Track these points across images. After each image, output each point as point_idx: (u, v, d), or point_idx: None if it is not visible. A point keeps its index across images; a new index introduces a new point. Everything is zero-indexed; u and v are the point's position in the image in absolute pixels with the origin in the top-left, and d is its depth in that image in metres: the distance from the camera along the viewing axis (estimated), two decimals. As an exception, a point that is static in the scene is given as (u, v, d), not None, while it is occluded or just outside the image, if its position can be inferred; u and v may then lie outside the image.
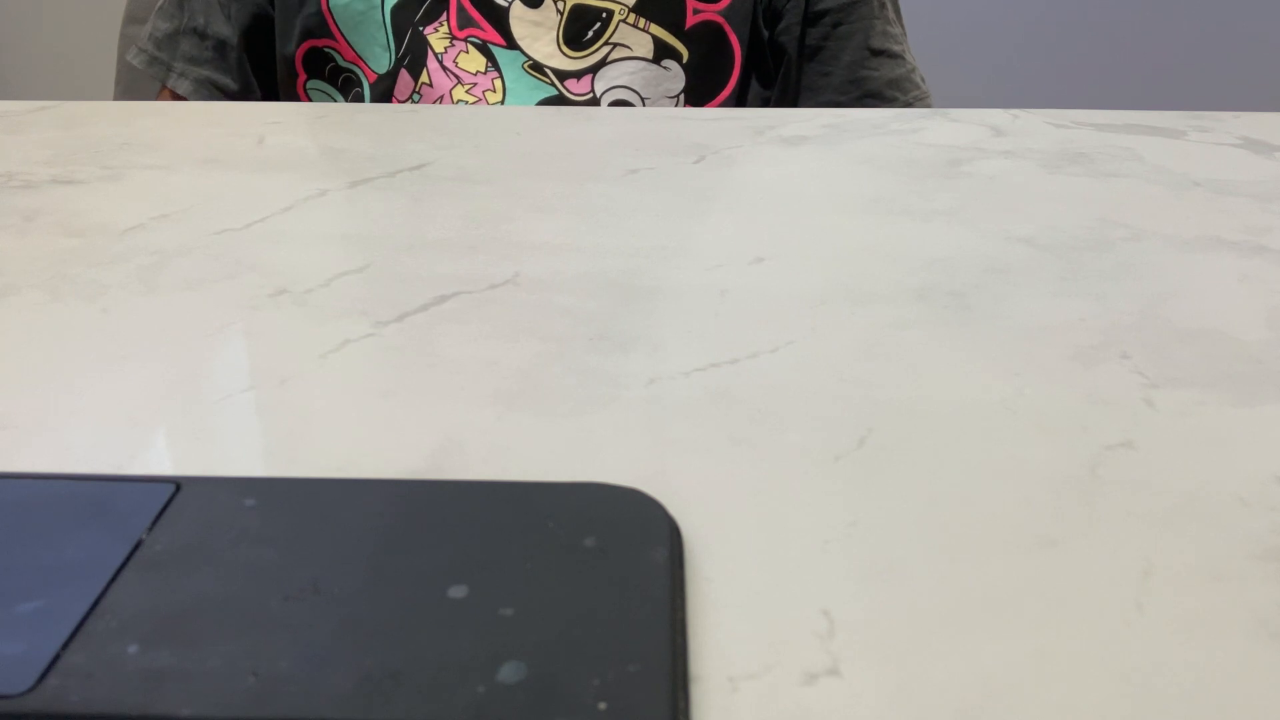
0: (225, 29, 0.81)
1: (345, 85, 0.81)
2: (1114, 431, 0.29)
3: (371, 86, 0.79)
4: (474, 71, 0.79)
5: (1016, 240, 0.42)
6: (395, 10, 0.78)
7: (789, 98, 0.83)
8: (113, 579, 0.22)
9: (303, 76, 0.81)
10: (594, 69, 0.80)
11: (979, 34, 2.01)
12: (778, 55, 0.83)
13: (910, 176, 0.49)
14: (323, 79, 0.81)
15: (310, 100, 0.81)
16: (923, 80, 0.84)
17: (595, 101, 0.80)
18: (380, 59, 0.78)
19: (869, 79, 0.81)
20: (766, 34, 0.82)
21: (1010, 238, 0.42)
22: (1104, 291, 0.37)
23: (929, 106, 0.82)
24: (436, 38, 0.79)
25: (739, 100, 0.83)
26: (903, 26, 0.86)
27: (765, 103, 0.84)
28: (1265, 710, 0.20)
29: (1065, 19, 2.01)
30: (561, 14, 0.79)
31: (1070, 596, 0.23)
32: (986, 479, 0.27)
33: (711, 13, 0.80)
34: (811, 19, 0.82)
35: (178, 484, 0.25)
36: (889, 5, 0.84)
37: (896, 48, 0.82)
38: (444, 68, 0.78)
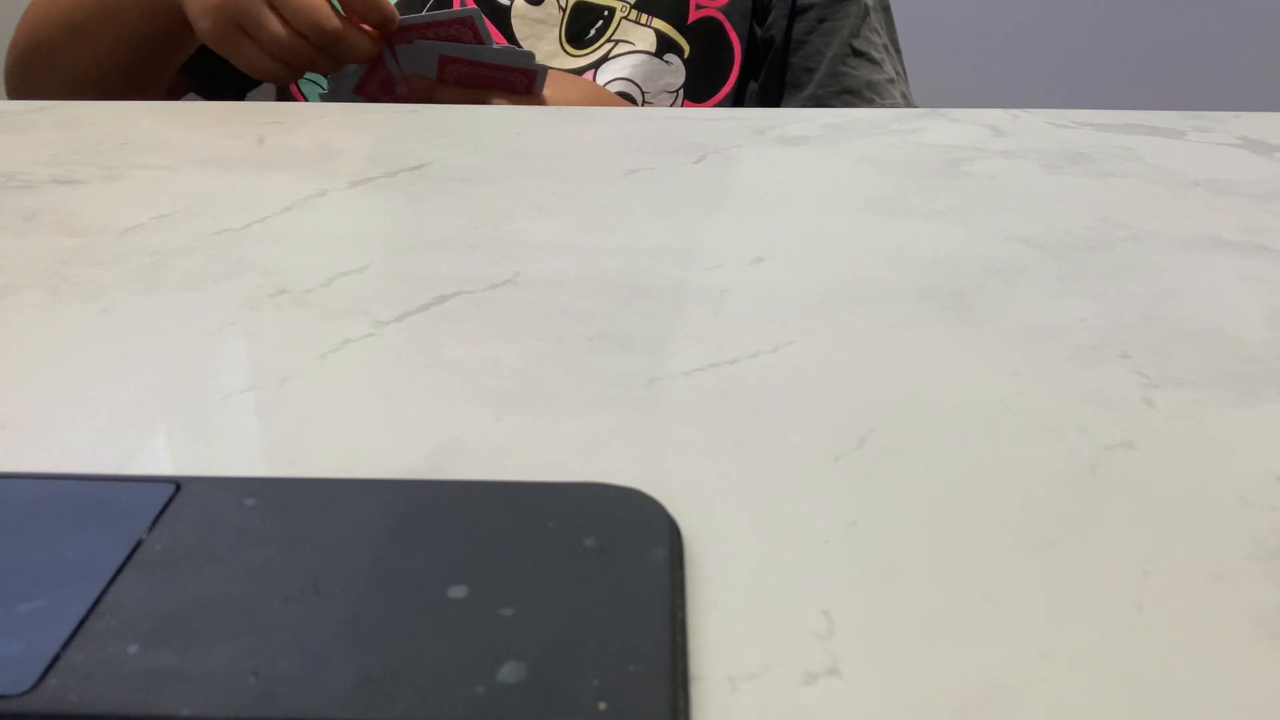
0: None
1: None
2: (1114, 431, 0.29)
3: None
4: None
5: (1016, 240, 0.42)
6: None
7: (773, 91, 0.84)
8: (113, 579, 0.22)
9: None
10: (595, 65, 0.80)
11: (979, 34, 2.01)
12: (767, 49, 0.84)
13: (910, 176, 0.49)
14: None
15: (300, 89, 0.81)
16: (905, 96, 0.85)
17: None
18: None
19: (848, 75, 0.82)
20: (759, 30, 0.83)
21: (1010, 238, 0.42)
22: (1104, 291, 0.37)
23: None
24: None
25: (738, 96, 0.83)
26: (893, 43, 0.87)
27: (755, 95, 0.85)
28: (1265, 710, 0.20)
29: (1065, 19, 2.01)
30: (564, 10, 0.79)
31: (1070, 596, 0.23)
32: (986, 479, 0.27)
33: (713, 9, 0.81)
34: (799, 11, 0.83)
35: (178, 484, 0.25)
36: (873, 17, 0.85)
37: (877, 55, 0.84)
38: None
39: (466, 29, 0.66)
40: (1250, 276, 0.39)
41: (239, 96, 0.82)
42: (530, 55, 0.67)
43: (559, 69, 0.79)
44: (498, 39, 0.79)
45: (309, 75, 0.80)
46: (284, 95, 0.82)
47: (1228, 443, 0.29)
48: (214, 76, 0.81)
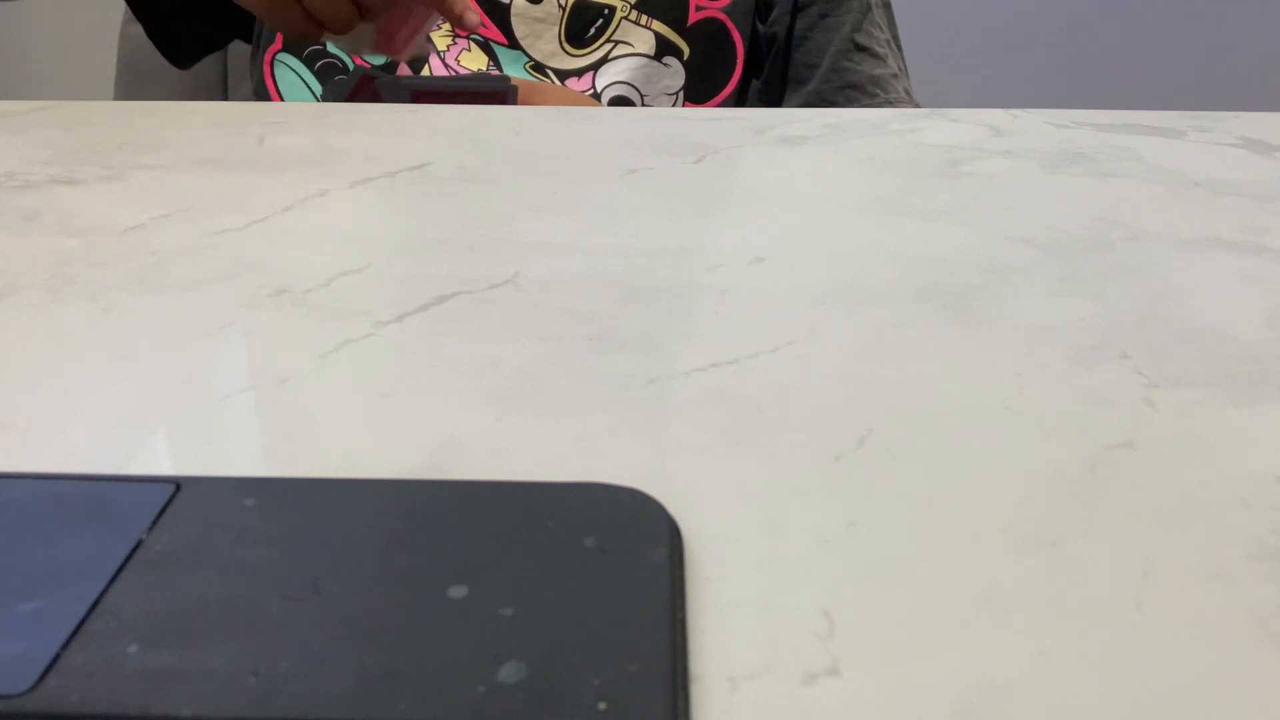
0: None
1: (325, 71, 0.80)
2: (1114, 431, 0.29)
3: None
4: (475, 69, 0.79)
5: (1016, 240, 0.42)
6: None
7: (775, 87, 0.84)
8: (113, 579, 0.22)
9: (278, 45, 0.80)
10: (595, 66, 0.80)
11: (980, 34, 2.01)
12: (770, 46, 0.84)
13: (910, 176, 0.49)
14: (299, 58, 0.80)
15: (273, 72, 0.81)
16: (908, 92, 0.85)
17: (596, 98, 0.80)
18: None
19: (851, 71, 0.82)
20: (761, 28, 0.83)
21: (1010, 238, 0.42)
22: (1104, 291, 0.37)
23: None
24: (439, 35, 0.79)
25: (741, 97, 0.83)
26: (894, 39, 0.87)
27: (759, 92, 0.85)
28: (1265, 710, 0.20)
29: (1065, 19, 2.01)
30: (564, 9, 0.79)
31: (1070, 596, 0.23)
32: (986, 479, 0.27)
33: (714, 9, 0.81)
34: (800, 7, 0.83)
35: (178, 484, 0.25)
36: (875, 12, 0.85)
37: (880, 50, 0.84)
38: (445, 65, 0.78)
39: None
40: (1250, 276, 0.39)
41: (195, 55, 0.80)
42: (505, 79, 0.66)
43: (541, 78, 0.79)
44: (497, 38, 0.79)
45: (283, 61, 0.80)
46: (261, 95, 0.82)
47: (1228, 443, 0.29)
48: (178, 29, 0.79)
